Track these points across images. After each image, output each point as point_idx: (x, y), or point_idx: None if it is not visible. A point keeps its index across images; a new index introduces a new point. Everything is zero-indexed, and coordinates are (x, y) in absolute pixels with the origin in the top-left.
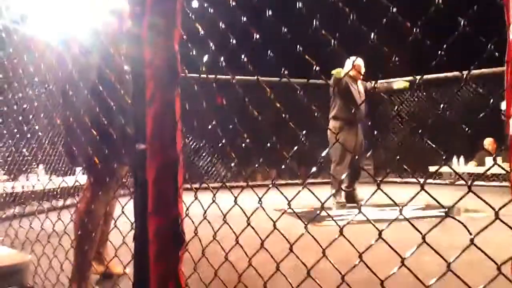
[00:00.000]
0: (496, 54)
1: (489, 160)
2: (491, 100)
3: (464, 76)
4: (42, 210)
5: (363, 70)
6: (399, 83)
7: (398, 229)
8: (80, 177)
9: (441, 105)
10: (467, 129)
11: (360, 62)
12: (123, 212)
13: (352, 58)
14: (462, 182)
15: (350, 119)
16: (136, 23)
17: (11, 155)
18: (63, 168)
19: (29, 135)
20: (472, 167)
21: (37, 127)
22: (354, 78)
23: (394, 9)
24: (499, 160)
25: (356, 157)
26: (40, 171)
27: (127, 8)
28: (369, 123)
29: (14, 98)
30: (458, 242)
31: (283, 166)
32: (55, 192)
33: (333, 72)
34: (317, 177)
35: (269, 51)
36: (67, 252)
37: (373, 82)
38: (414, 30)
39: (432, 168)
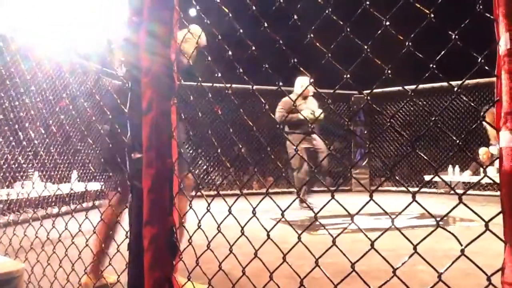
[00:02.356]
0: (486, 68)
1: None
2: (482, 112)
3: (456, 89)
4: (36, 218)
5: (311, 92)
6: (306, 113)
7: (394, 238)
8: (75, 185)
9: (433, 117)
10: (457, 141)
11: (306, 82)
12: (117, 221)
13: (301, 79)
14: (457, 191)
15: (303, 131)
16: (134, 31)
17: (6, 162)
18: (58, 176)
19: (24, 143)
20: (467, 177)
21: (32, 135)
22: (304, 96)
23: (387, 23)
24: (494, 169)
25: (319, 161)
26: (35, 179)
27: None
28: (365, 132)
29: (11, 106)
30: (454, 251)
31: (273, 177)
32: (50, 200)
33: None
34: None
35: (265, 65)
36: (61, 260)
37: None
38: (407, 43)
39: (427, 177)
